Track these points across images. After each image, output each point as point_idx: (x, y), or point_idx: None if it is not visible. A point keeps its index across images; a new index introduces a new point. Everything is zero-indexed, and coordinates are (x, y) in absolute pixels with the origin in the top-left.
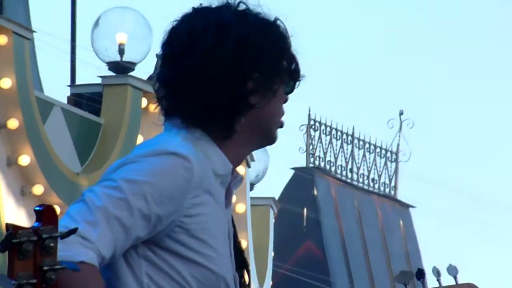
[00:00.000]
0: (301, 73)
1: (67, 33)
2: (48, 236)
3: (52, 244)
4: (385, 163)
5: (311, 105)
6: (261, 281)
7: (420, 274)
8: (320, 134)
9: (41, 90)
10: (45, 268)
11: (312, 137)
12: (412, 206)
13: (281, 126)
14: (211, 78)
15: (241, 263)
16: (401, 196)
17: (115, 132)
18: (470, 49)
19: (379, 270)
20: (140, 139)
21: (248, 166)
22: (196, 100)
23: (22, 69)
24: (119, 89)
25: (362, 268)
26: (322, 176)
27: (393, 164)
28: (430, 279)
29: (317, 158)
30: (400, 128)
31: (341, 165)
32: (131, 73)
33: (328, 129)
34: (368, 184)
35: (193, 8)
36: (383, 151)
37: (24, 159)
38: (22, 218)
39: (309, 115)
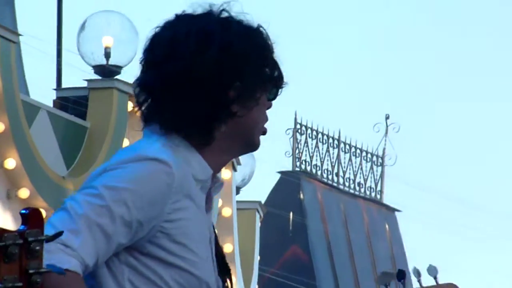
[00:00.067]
0: (284, 79)
1: (53, 36)
2: (34, 239)
3: (38, 248)
4: (371, 167)
5: (297, 109)
6: (247, 285)
7: (401, 275)
8: (306, 138)
9: (27, 93)
10: (30, 271)
11: (298, 141)
12: (398, 210)
13: (264, 133)
14: (192, 85)
15: (223, 269)
16: (387, 200)
17: (101, 136)
18: (456, 53)
19: (364, 274)
20: (126, 143)
21: (234, 169)
22: (176, 107)
23: (8, 73)
24: (105, 92)
25: (348, 272)
26: (308, 180)
27: (379, 168)
28: (413, 279)
29: (303, 162)
30: (386, 132)
31: (327, 169)
32: (117, 77)
33: (314, 133)
34: (354, 188)
35: (176, 15)
36: (369, 155)
37: (10, 163)
38: (8, 222)
39: (295, 119)
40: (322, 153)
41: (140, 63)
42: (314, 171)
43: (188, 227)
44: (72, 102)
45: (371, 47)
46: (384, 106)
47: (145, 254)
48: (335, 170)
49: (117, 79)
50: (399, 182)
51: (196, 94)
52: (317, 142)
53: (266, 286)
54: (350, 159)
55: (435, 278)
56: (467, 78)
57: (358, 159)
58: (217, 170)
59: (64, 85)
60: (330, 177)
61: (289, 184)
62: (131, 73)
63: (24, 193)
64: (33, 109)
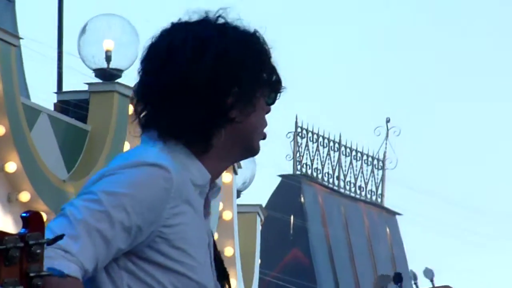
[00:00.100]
0: (283, 84)
1: (54, 40)
2: (34, 242)
3: (38, 251)
4: (372, 171)
5: (298, 113)
6: None
7: (398, 278)
8: (307, 141)
9: (28, 97)
10: (31, 274)
11: (299, 144)
12: (399, 214)
13: (264, 137)
14: (189, 92)
15: (222, 273)
16: (388, 203)
17: (101, 139)
18: (457, 56)
19: (365, 278)
20: (127, 146)
21: (235, 173)
22: (174, 114)
23: (8, 76)
24: (106, 96)
25: (349, 275)
26: (309, 184)
27: (380, 172)
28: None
29: (304, 166)
30: (387, 136)
31: (328, 173)
32: (118, 80)
33: (315, 136)
34: (355, 192)
35: (172, 23)
36: (370, 159)
37: (11, 166)
38: (9, 225)
39: (296, 122)
40: (323, 157)
41: (138, 73)
42: (315, 174)
43: (186, 232)
44: (72, 106)
45: (372, 51)
46: (385, 110)
47: (144, 259)
48: (336, 174)
49: (118, 83)
50: (400, 185)
51: (194, 101)
52: (318, 146)
53: None
54: (351, 163)
55: (431, 280)
56: (467, 81)
57: (359, 162)
58: (216, 176)
59: (64, 89)
60: (331, 180)
61: (290, 188)
62: (132, 76)
63: (24, 196)
64: (33, 112)
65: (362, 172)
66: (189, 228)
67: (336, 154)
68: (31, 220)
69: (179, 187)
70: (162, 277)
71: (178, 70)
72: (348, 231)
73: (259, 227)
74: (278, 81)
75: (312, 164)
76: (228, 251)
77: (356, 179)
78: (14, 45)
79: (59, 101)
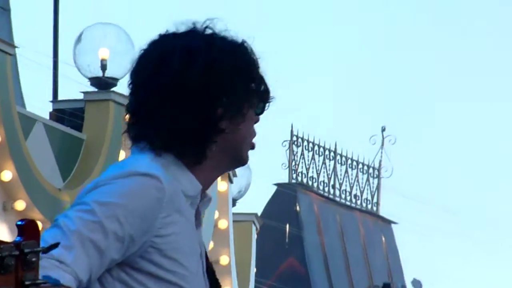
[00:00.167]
0: (271, 94)
1: (49, 48)
2: (30, 250)
3: (34, 259)
4: (367, 179)
5: (294, 121)
6: None
7: None
8: (302, 150)
9: (23, 105)
10: (26, 282)
11: (294, 153)
12: (394, 222)
13: (253, 147)
14: (179, 104)
15: (214, 284)
16: (383, 212)
17: (97, 148)
18: (453, 65)
19: (361, 286)
20: (122, 155)
21: (231, 181)
22: (164, 126)
23: (4, 85)
24: (102, 104)
25: (344, 284)
26: (304, 192)
27: (375, 180)
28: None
29: (300, 174)
30: (382, 144)
31: (323, 181)
32: (114, 89)
33: (311, 145)
34: (351, 200)
35: (160, 34)
36: (366, 167)
37: (6, 175)
38: (4, 234)
39: (291, 131)
40: (319, 165)
41: (128, 86)
42: (310, 183)
43: (178, 242)
44: (68, 114)
45: (368, 60)
46: (380, 118)
47: (137, 269)
48: (332, 182)
49: (113, 91)
50: (396, 194)
51: (184, 112)
52: (313, 154)
53: None
54: (346, 171)
55: None
56: (463, 89)
57: (355, 171)
58: (206, 186)
59: (60, 97)
60: (326, 189)
61: (285, 196)
62: (127, 85)
63: (20, 205)
64: (29, 121)
65: (358, 181)
66: (181, 237)
67: (332, 162)
68: (27, 229)
69: (171, 197)
70: (155, 287)
71: (166, 82)
72: (344, 240)
73: (254, 236)
74: (267, 91)
75: (307, 173)
76: (223, 260)
77: (351, 188)
78: (10, 54)
79: (54, 110)
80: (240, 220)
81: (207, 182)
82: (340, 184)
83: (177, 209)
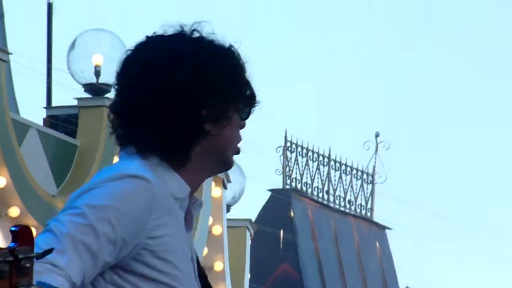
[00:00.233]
0: (257, 99)
1: (43, 55)
2: (24, 256)
3: (28, 265)
4: (361, 185)
5: (288, 127)
6: None
7: None
8: (296, 156)
9: (17, 112)
10: None
11: (288, 159)
12: (388, 228)
13: (238, 152)
14: (164, 106)
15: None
16: (377, 217)
17: (91, 154)
18: (445, 70)
19: None
20: (116, 161)
21: (225, 187)
22: (150, 128)
23: None
24: (95, 111)
25: None
26: (298, 198)
27: (369, 186)
28: None
29: (294, 180)
30: (376, 150)
31: (317, 187)
32: (107, 95)
33: (305, 151)
34: (345, 206)
35: (147, 36)
36: (360, 173)
37: (0, 181)
38: None
39: (285, 137)
40: (313, 171)
41: (113, 87)
42: (304, 189)
43: (171, 243)
44: (62, 121)
45: (360, 65)
46: (374, 124)
47: (130, 272)
48: (326, 188)
49: (107, 98)
50: (390, 199)
51: (169, 114)
52: (307, 160)
53: None
54: (340, 177)
55: None
56: (456, 94)
57: (349, 176)
58: (194, 189)
59: (54, 104)
60: (320, 195)
61: (279, 202)
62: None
63: (14, 211)
64: (23, 127)
65: (352, 187)
66: (173, 239)
67: (326, 168)
68: (21, 234)
69: (161, 199)
70: None
71: (153, 83)
72: (338, 246)
73: (248, 242)
74: (253, 96)
75: (301, 179)
76: (217, 266)
77: (345, 194)
78: (3, 60)
79: (48, 116)
80: (234, 226)
81: (194, 185)
82: (334, 190)
83: (167, 211)
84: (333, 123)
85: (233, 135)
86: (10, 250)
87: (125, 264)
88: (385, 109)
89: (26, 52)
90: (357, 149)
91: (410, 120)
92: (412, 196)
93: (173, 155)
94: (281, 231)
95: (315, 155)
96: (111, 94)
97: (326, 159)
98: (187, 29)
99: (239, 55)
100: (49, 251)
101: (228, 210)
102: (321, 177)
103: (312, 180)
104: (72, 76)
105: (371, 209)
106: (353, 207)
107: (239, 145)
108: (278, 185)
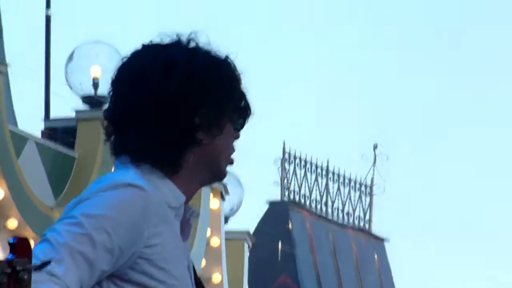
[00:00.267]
0: (251, 110)
1: (41, 67)
2: (22, 268)
3: (26, 277)
4: (360, 197)
5: (286, 139)
6: None
7: None
8: (294, 167)
9: (15, 124)
10: None
11: (286, 170)
12: (387, 240)
13: (231, 163)
14: (157, 113)
15: None
16: (376, 229)
17: (89, 166)
18: (444, 82)
19: None
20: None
21: (223, 199)
22: (142, 134)
23: None
24: (93, 123)
25: None
26: (296, 210)
27: (368, 198)
28: None
29: (292, 192)
30: (375, 162)
31: (315, 199)
32: (106, 107)
33: (303, 162)
34: (343, 218)
35: (143, 44)
36: (358, 185)
37: None
38: None
39: (283, 148)
40: (311, 183)
41: (108, 94)
42: (302, 200)
43: (167, 252)
44: (60, 133)
45: (358, 76)
46: (372, 136)
47: (127, 281)
48: (324, 200)
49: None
50: (388, 211)
51: (162, 121)
52: (305, 172)
53: None
54: (338, 189)
55: None
56: (454, 105)
57: (347, 188)
58: (188, 198)
59: (52, 116)
60: (318, 206)
61: (277, 214)
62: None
63: (12, 223)
64: (21, 139)
65: (350, 198)
66: (169, 248)
67: (324, 180)
68: (19, 246)
69: (156, 207)
70: None
71: (146, 90)
72: (336, 258)
73: (247, 254)
74: (247, 107)
75: (299, 191)
76: (216, 278)
77: (344, 205)
78: (1, 72)
79: (46, 128)
80: (232, 238)
81: (188, 193)
82: (333, 202)
83: (163, 219)
84: (331, 134)
85: (226, 145)
86: (8, 262)
87: (122, 273)
88: (383, 120)
89: (24, 64)
90: (355, 160)
91: (408, 132)
92: (411, 207)
93: (164, 162)
94: (279, 243)
95: (313, 166)
96: None
97: (324, 171)
98: (183, 38)
99: (235, 66)
100: (47, 263)
101: (226, 222)
102: (319, 189)
103: (310, 192)
104: (70, 88)
105: (369, 221)
106: (351, 219)
107: (232, 156)
108: (276, 197)
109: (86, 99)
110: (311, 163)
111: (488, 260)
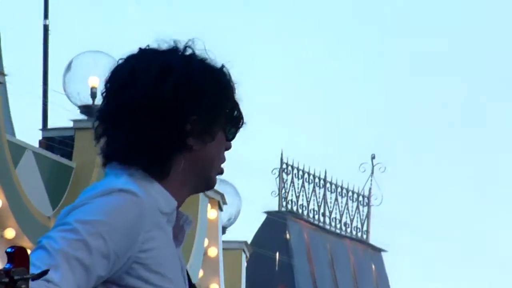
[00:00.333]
0: (243, 120)
1: (39, 76)
2: (19, 277)
3: (23, 286)
4: (357, 207)
5: (284, 149)
6: None
7: None
8: (292, 177)
9: (13, 133)
10: None
11: (284, 180)
12: (384, 250)
13: (221, 172)
14: (147, 117)
15: None
16: (373, 240)
17: (86, 176)
18: (442, 93)
19: None
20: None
21: (221, 209)
22: (132, 136)
23: None
24: (91, 132)
25: None
26: (294, 220)
27: (365, 208)
28: None
29: (290, 202)
30: (372, 172)
31: (313, 209)
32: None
33: (301, 172)
34: (340, 228)
35: (140, 48)
36: (355, 195)
37: None
38: None
39: (281, 158)
40: (308, 193)
41: (102, 95)
42: (300, 211)
43: (161, 257)
44: (58, 142)
45: (356, 87)
46: (370, 146)
47: (123, 286)
48: (321, 210)
49: None
50: (385, 222)
51: (153, 124)
52: (303, 182)
53: None
54: (336, 199)
55: None
56: (452, 117)
57: (344, 199)
58: (179, 203)
59: (50, 125)
60: (316, 217)
61: (275, 224)
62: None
63: (10, 233)
64: (19, 149)
65: (348, 209)
66: (164, 252)
67: (322, 190)
68: (16, 256)
69: (150, 212)
70: None
71: (139, 92)
72: (334, 268)
73: (244, 264)
74: (240, 117)
75: (297, 201)
76: None
77: (341, 216)
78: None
79: (44, 138)
80: (230, 248)
81: (179, 200)
82: (330, 212)
83: (156, 224)
84: (329, 145)
85: (217, 153)
86: (5, 272)
87: (118, 278)
88: (381, 131)
89: (22, 74)
90: (353, 171)
91: (406, 142)
92: (409, 218)
93: (153, 165)
94: (277, 253)
95: (311, 177)
96: None
97: (322, 181)
98: (180, 45)
99: (230, 75)
100: (45, 272)
101: (223, 232)
102: (317, 199)
103: (308, 202)
104: (68, 98)
105: (367, 231)
106: (349, 230)
107: (223, 165)
108: (274, 207)
109: (84, 109)
110: (308, 174)
111: (485, 271)
